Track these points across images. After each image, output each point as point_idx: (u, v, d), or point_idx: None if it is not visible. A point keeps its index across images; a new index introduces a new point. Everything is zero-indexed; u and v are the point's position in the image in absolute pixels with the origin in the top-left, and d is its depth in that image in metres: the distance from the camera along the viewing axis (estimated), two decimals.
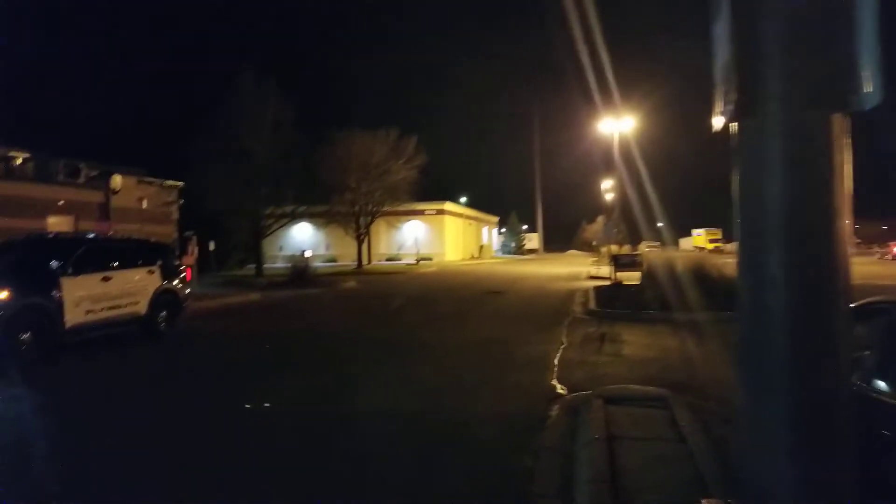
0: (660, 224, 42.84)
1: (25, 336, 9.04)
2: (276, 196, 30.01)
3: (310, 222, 47.57)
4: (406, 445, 5.41)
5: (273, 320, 15.17)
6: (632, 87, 50.56)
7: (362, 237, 40.83)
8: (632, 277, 17.94)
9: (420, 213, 51.52)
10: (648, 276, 16.65)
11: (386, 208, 41.22)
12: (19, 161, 17.99)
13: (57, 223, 16.87)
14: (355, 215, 39.92)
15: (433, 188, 47.75)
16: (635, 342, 10.35)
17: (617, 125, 28.53)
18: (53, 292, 9.59)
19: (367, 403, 6.75)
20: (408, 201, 42.40)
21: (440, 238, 53.81)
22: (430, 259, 49.94)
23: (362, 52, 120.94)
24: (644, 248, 38.31)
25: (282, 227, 33.42)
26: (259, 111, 28.16)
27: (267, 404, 6.84)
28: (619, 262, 19.86)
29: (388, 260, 49.00)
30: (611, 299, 15.15)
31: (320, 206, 37.92)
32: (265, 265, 32.03)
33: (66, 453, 5.35)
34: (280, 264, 35.57)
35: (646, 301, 13.52)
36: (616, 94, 26.80)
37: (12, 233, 11.95)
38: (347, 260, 43.37)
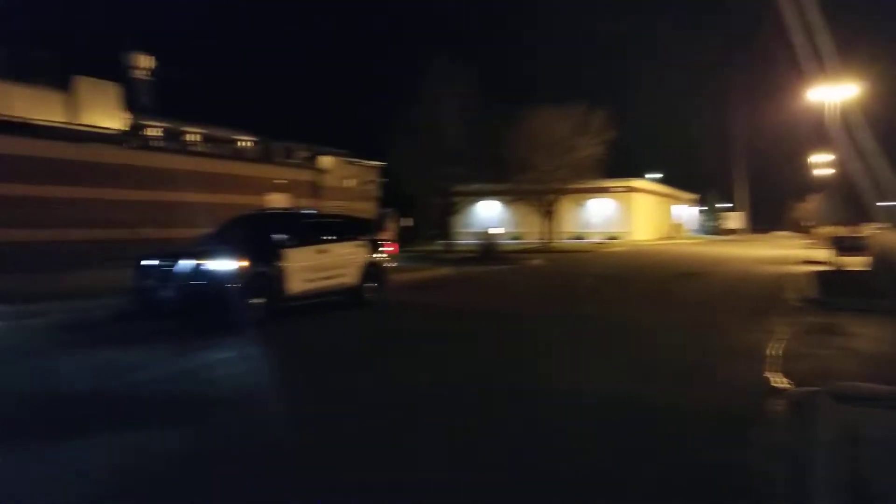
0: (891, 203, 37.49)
1: (256, 300, 10.17)
2: (465, 174, 30.79)
3: (495, 199, 48.27)
4: (613, 433, 5.25)
5: (467, 293, 15.66)
6: (854, 46, 44.26)
7: (547, 214, 40.58)
8: (855, 262, 15.92)
9: (607, 190, 49.99)
10: (880, 260, 14.66)
11: (571, 185, 40.50)
12: (245, 144, 20.24)
13: (275, 200, 18.72)
14: (540, 193, 39.72)
15: (622, 164, 46.02)
16: (866, 335, 9.15)
17: (835, 92, 25.26)
18: (279, 262, 10.67)
19: (568, 383, 6.68)
20: (594, 178, 41.28)
21: (628, 216, 51.87)
22: (616, 238, 48.40)
23: (551, 25, 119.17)
24: (870, 229, 33.82)
25: (469, 204, 34.29)
26: (450, 93, 28.96)
27: (461, 376, 7.04)
28: (840, 245, 17.75)
29: (573, 238, 48.29)
30: (832, 286, 13.57)
31: (506, 184, 38.24)
32: (455, 241, 33.14)
33: (287, 402, 5.94)
34: (467, 241, 36.58)
35: (878, 289, 11.91)
36: (833, 57, 23.66)
37: (238, 208, 13.47)
38: (531, 238, 43.41)
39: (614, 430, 5.28)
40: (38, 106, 15.18)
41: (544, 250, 35.01)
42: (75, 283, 12.89)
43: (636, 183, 53.10)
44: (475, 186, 32.63)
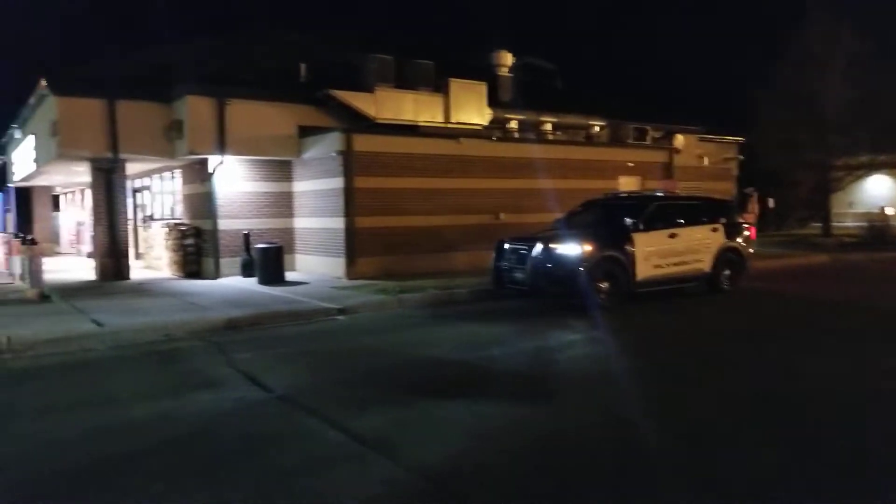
0: None
1: (603, 285, 10.19)
2: (848, 145, 26.20)
3: (889, 174, 40.18)
4: None
5: (847, 284, 13.36)
6: None
7: None
8: None
9: None
10: None
11: None
12: (596, 129, 20.41)
13: (626, 183, 18.48)
14: None
15: None
16: None
17: None
18: (627, 247, 10.51)
19: None
20: None
21: None
22: None
23: None
24: None
25: (854, 180, 29.15)
26: (828, 51, 24.88)
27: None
28: None
29: None
30: None
31: None
32: (832, 223, 28.61)
33: (638, 388, 5.76)
34: (850, 223, 31.20)
35: None
36: None
37: (590, 193, 13.61)
38: None
39: None
40: (422, 109, 17.53)
41: None
42: (448, 263, 14.66)
43: None
44: (863, 159, 27.53)
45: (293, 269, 15.39)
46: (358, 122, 15.56)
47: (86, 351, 8.10)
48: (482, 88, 19.25)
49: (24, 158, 19.58)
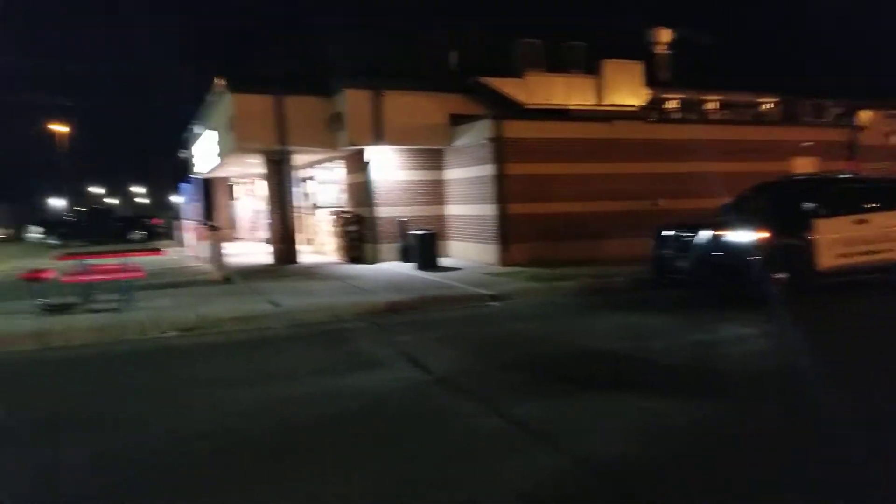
0: None
1: (779, 275, 9.37)
2: None
3: None
4: None
5: None
6: None
7: None
8: None
9: None
10: None
11: None
12: (767, 106, 18.81)
13: (801, 165, 16.90)
14: None
15: None
16: None
17: None
18: (807, 234, 9.59)
19: None
20: None
21: None
22: None
23: None
24: None
25: None
26: None
27: None
28: None
29: None
30: None
31: None
32: None
33: (817, 391, 5.21)
34: None
35: None
36: None
37: (761, 176, 12.55)
38: None
39: None
40: (573, 92, 17.16)
41: None
42: (601, 250, 14.24)
43: None
44: None
45: (446, 255, 15.72)
46: (508, 109, 15.51)
47: (264, 329, 8.78)
48: (638, 68, 18.46)
49: (204, 152, 21.64)
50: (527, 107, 15.80)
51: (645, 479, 3.90)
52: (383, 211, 15.77)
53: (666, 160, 15.27)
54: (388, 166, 15.89)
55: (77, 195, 58.91)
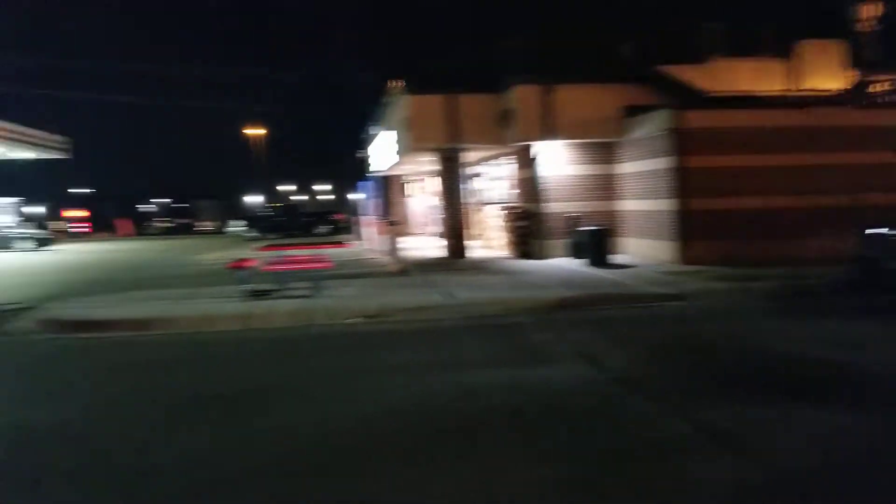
0: None
1: None
2: None
3: None
4: None
5: None
6: None
7: None
8: None
9: None
10: None
11: None
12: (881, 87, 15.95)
13: None
14: None
15: None
16: None
17: None
18: None
19: None
20: None
21: None
22: None
23: None
24: None
25: None
26: None
27: None
28: None
29: None
30: None
31: None
32: None
33: None
34: None
35: None
36: None
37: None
38: None
39: None
40: (762, 77, 15.84)
41: None
42: (793, 250, 12.99)
43: None
44: None
45: (618, 252, 15.26)
46: (687, 97, 14.68)
47: (438, 320, 9.10)
48: (837, 48, 16.66)
49: (380, 151, 22.84)
50: (709, 95, 14.85)
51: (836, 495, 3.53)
52: (553, 206, 15.66)
53: (874, 150, 13.61)
54: (558, 161, 15.75)
55: (270, 193, 64.87)
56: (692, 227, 13.25)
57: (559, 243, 15.40)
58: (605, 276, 11.97)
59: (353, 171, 37.48)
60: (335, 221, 34.05)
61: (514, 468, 4.09)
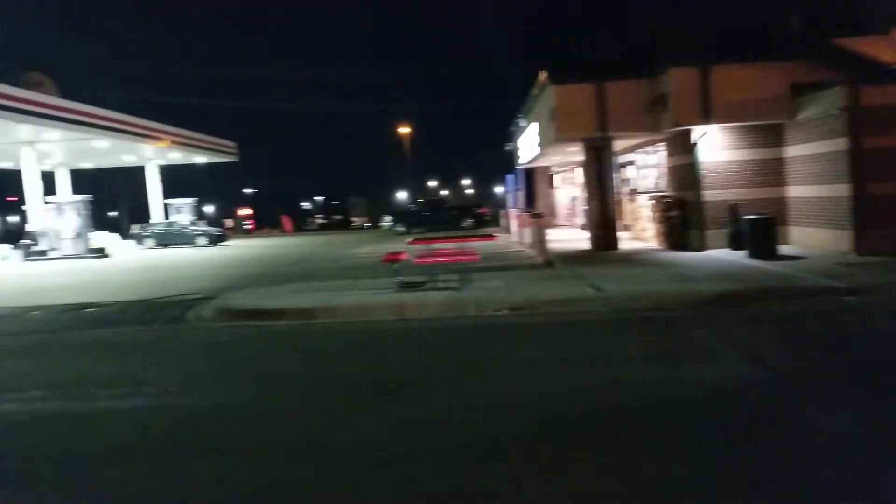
0: None
1: None
2: None
3: None
4: None
5: None
6: None
7: None
8: None
9: None
10: None
11: None
12: None
13: None
14: None
15: None
16: None
17: None
18: None
19: None
20: None
21: None
22: None
23: None
24: None
25: None
26: None
27: None
28: None
29: None
30: None
31: None
32: None
33: None
34: None
35: None
36: None
37: None
38: None
39: None
40: None
41: None
42: None
43: None
44: None
45: (785, 243, 14.10)
46: (866, 72, 13.20)
47: (587, 312, 8.94)
48: None
49: (527, 143, 22.76)
50: (894, 67, 13.27)
51: None
52: (710, 194, 14.76)
53: None
54: (716, 146, 14.81)
55: (416, 188, 67.04)
56: (871, 215, 11.95)
57: (716, 233, 14.51)
58: (768, 269, 11.12)
59: (499, 164, 37.69)
60: (479, 215, 34.45)
61: (662, 465, 3.94)
